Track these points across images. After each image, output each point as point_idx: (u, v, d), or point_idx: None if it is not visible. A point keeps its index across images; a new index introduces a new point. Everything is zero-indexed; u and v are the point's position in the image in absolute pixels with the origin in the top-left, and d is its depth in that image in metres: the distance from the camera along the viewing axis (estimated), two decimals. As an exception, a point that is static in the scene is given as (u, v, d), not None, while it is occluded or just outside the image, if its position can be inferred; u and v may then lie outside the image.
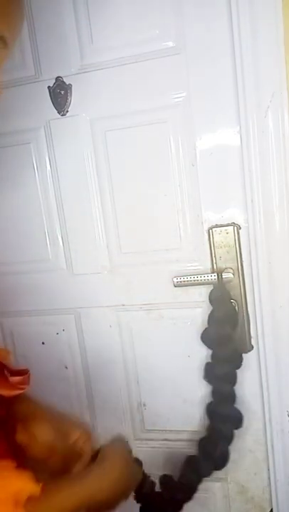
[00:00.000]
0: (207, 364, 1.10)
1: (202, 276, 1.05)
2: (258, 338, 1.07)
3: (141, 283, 1.14)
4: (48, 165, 1.14)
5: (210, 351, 1.08)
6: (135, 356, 1.20)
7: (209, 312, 1.06)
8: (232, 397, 1.08)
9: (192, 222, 1.08)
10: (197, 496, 1.10)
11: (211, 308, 1.06)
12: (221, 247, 1.05)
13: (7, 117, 1.13)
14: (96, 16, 1.04)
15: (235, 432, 1.10)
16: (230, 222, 1.04)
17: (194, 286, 1.08)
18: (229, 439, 1.09)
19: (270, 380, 1.08)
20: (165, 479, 1.09)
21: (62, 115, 1.10)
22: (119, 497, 0.75)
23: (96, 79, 1.06)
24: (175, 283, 1.07)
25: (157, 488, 1.02)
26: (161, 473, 1.11)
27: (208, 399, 1.13)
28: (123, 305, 1.17)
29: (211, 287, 1.06)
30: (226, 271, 1.05)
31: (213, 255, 1.06)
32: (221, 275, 1.04)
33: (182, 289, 1.10)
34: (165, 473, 1.11)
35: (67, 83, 1.08)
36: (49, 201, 1.16)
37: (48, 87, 1.09)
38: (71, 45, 1.06)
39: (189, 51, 0.99)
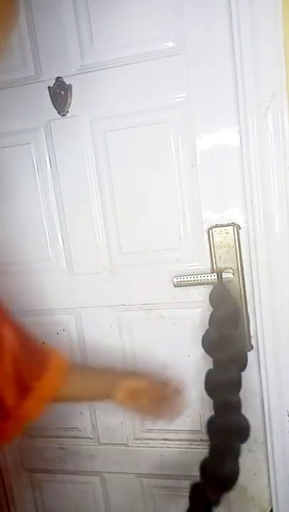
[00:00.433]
0: (208, 372, 1.05)
1: (202, 276, 1.05)
2: (257, 338, 1.07)
3: (141, 283, 1.14)
4: (48, 165, 1.14)
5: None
6: (135, 356, 1.20)
7: (210, 313, 1.06)
8: (238, 406, 1.00)
9: (192, 223, 1.08)
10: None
11: (210, 308, 1.06)
12: (221, 247, 1.05)
13: (7, 117, 1.14)
14: (96, 17, 1.04)
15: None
16: (230, 223, 1.05)
17: (194, 286, 1.08)
18: (237, 453, 0.97)
19: (270, 379, 1.08)
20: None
21: (62, 115, 1.10)
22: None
23: (96, 79, 1.06)
24: (175, 283, 1.07)
25: None
26: (161, 473, 1.11)
27: (210, 413, 1.07)
28: (123, 305, 1.17)
29: (210, 287, 1.06)
30: (225, 271, 1.05)
31: (213, 255, 1.06)
32: (221, 275, 1.04)
33: (182, 289, 1.10)
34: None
35: (67, 83, 1.08)
36: (49, 201, 1.17)
37: (48, 87, 1.09)
38: (71, 45, 1.06)
39: (189, 51, 0.99)
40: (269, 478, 1.15)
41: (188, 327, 1.13)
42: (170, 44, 1.01)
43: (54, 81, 1.09)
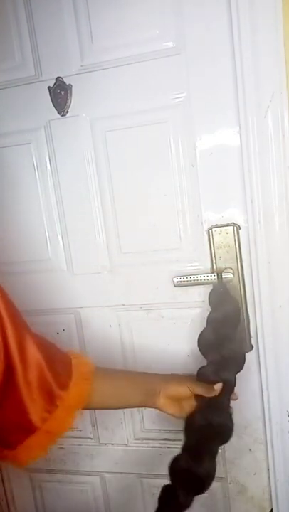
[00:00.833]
0: (200, 369, 0.96)
1: (202, 276, 1.05)
2: (257, 338, 1.07)
3: (141, 283, 1.14)
4: (48, 165, 1.14)
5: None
6: (135, 356, 1.20)
7: (208, 313, 1.05)
8: (226, 406, 0.92)
9: (192, 223, 1.08)
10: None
11: (210, 308, 1.06)
12: (221, 247, 1.05)
13: (7, 117, 1.14)
14: (96, 16, 1.04)
15: (234, 431, 1.01)
16: (230, 223, 1.04)
17: (194, 286, 1.08)
18: (215, 454, 0.86)
19: (269, 379, 1.08)
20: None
21: (62, 115, 1.10)
22: None
23: (96, 79, 1.06)
24: (175, 283, 1.07)
25: None
26: (161, 473, 1.10)
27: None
28: (123, 305, 1.17)
29: (210, 287, 1.06)
30: (225, 271, 1.05)
31: (213, 255, 1.06)
32: (221, 275, 1.04)
33: (182, 289, 1.10)
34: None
35: (67, 83, 1.08)
36: (49, 201, 1.17)
37: (48, 87, 1.09)
38: (71, 45, 1.06)
39: (189, 51, 0.99)
40: (269, 478, 1.15)
41: (189, 327, 1.13)
42: (170, 44, 1.01)
43: (54, 81, 1.09)
